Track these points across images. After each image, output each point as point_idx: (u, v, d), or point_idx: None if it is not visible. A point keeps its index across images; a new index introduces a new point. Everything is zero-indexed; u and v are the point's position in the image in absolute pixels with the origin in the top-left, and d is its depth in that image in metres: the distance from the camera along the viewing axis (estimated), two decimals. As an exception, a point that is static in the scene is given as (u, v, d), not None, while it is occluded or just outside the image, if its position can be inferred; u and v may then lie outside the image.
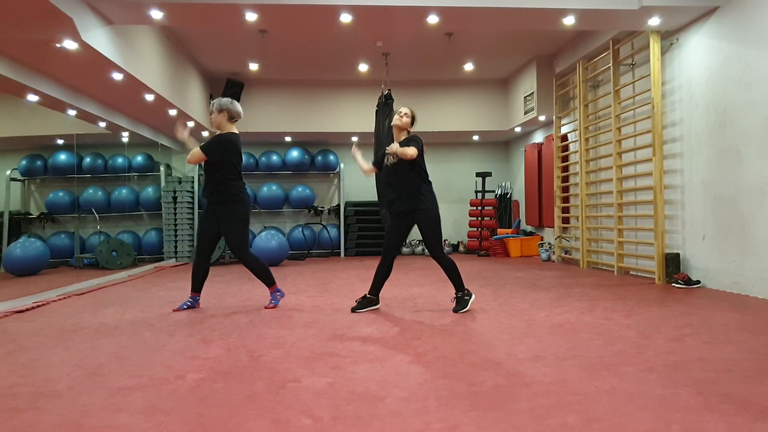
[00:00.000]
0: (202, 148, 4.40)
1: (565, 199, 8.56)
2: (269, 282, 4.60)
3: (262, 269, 4.55)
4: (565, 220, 8.56)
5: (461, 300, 4.27)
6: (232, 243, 4.45)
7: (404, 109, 4.37)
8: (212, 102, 4.54)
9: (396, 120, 4.34)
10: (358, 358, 2.90)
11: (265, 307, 4.57)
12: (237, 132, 4.55)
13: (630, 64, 6.69)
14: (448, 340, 3.27)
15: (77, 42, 4.77)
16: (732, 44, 5.10)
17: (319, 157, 10.76)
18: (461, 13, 5.33)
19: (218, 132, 4.52)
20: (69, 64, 5.37)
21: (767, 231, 4.70)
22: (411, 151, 4.10)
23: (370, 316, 4.13)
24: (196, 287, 4.63)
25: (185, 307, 4.57)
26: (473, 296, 4.36)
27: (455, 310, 4.23)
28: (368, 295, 4.42)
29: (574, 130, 8.25)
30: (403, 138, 4.35)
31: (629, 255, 6.73)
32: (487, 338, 3.31)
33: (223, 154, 4.40)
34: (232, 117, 4.50)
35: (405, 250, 10.80)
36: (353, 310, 4.36)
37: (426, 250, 10.42)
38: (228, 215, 4.42)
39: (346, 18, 5.28)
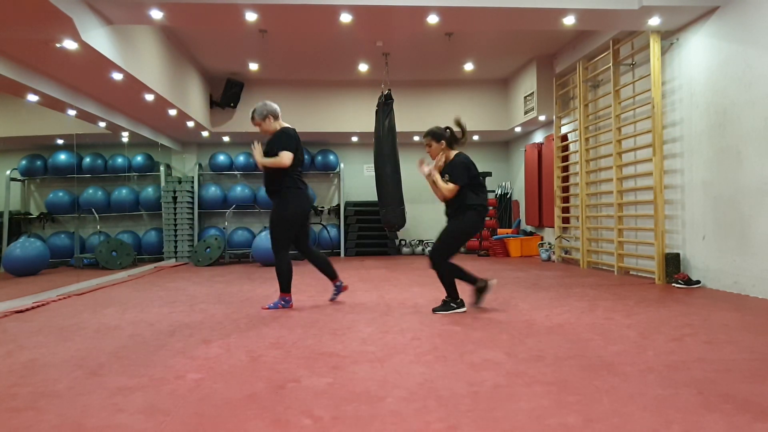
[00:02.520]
0: (283, 149, 4.33)
1: (565, 199, 8.56)
2: (284, 288, 4.55)
3: (285, 272, 4.50)
4: (565, 220, 8.56)
5: (447, 305, 4.22)
6: (271, 237, 4.51)
7: (424, 140, 4.28)
8: (253, 113, 4.48)
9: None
10: (358, 358, 2.90)
11: (262, 308, 4.55)
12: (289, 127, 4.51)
13: (630, 64, 6.69)
14: (448, 340, 3.27)
15: (77, 42, 4.77)
16: (732, 44, 5.10)
17: (319, 157, 10.76)
18: (461, 13, 5.33)
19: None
20: (69, 64, 5.37)
21: (767, 231, 4.70)
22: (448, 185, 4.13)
23: (370, 316, 4.13)
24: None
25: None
26: (465, 308, 4.23)
27: (434, 310, 4.24)
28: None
29: (574, 130, 8.24)
30: (450, 160, 4.25)
31: (629, 255, 6.73)
32: (488, 338, 3.31)
33: (294, 147, 4.37)
34: (276, 116, 4.49)
35: (405, 250, 10.80)
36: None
37: (425, 250, 10.42)
38: (276, 214, 4.46)
39: (346, 18, 5.28)
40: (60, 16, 4.34)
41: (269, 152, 4.41)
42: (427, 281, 6.27)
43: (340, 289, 4.87)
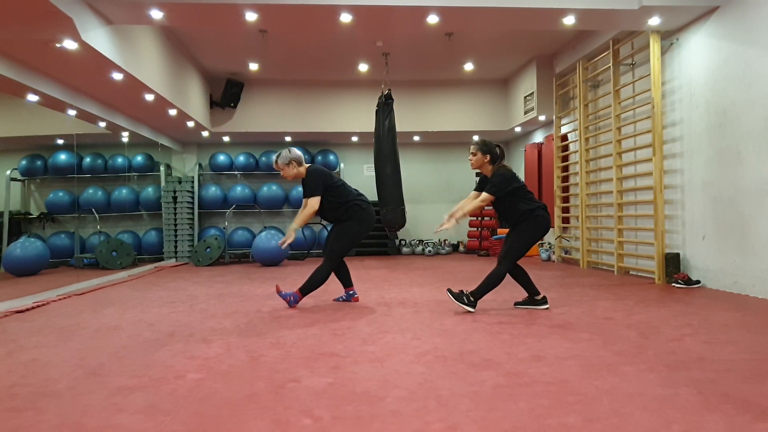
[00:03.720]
0: (307, 194, 4.53)
1: (565, 199, 8.56)
2: (305, 290, 4.61)
3: (319, 280, 4.57)
4: (565, 220, 8.56)
5: (462, 296, 4.19)
6: (329, 247, 4.63)
7: (470, 148, 4.33)
8: (276, 158, 4.61)
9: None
10: (358, 358, 2.90)
11: (276, 287, 4.65)
12: (313, 165, 4.66)
13: (630, 64, 6.69)
14: (448, 340, 3.27)
15: (77, 42, 4.77)
16: (732, 44, 5.10)
17: (319, 157, 10.75)
18: (461, 13, 5.33)
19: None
20: (69, 64, 5.37)
21: (767, 231, 4.70)
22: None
23: (370, 316, 4.13)
24: (346, 283, 4.88)
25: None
26: (473, 310, 4.20)
27: (449, 290, 4.26)
28: (532, 298, 4.37)
29: (574, 130, 8.25)
30: (491, 175, 4.30)
31: (629, 255, 6.73)
32: (487, 338, 3.31)
33: (322, 186, 4.52)
34: (300, 162, 4.60)
35: (405, 250, 10.80)
36: (516, 304, 4.38)
37: (425, 250, 10.42)
38: (341, 228, 4.63)
39: (346, 18, 5.28)
40: (60, 16, 4.34)
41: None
42: (427, 281, 6.27)
43: (350, 297, 4.89)
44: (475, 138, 4.44)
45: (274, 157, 4.67)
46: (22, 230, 9.36)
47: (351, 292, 4.88)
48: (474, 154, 4.32)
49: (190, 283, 6.48)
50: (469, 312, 4.17)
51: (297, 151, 4.62)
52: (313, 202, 4.50)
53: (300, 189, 10.54)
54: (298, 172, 4.60)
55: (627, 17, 5.50)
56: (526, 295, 4.40)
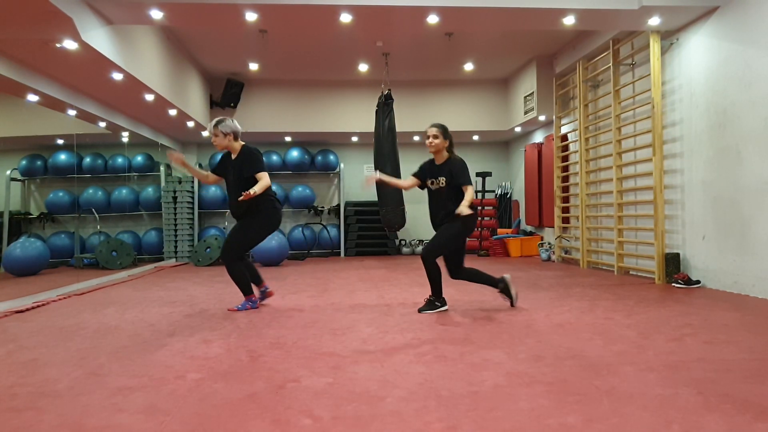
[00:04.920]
0: (260, 170, 4.38)
1: (565, 199, 8.56)
2: (245, 291, 4.49)
3: (239, 277, 4.45)
4: (565, 220, 8.56)
5: (433, 305, 4.27)
6: (230, 239, 4.45)
7: (430, 131, 4.24)
8: (216, 123, 4.49)
9: (429, 147, 4.28)
10: (358, 358, 2.90)
11: (228, 309, 4.47)
12: (249, 144, 4.60)
13: (630, 64, 6.69)
14: (448, 340, 3.27)
15: (77, 42, 4.77)
16: (732, 44, 5.10)
17: (319, 157, 10.76)
18: (461, 13, 5.33)
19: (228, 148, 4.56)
20: (69, 64, 5.37)
21: (767, 231, 4.70)
22: (469, 197, 4.05)
23: (370, 316, 4.13)
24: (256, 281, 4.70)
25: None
26: (446, 307, 4.30)
27: (420, 310, 4.27)
28: (501, 291, 4.41)
29: (574, 130, 8.24)
30: (442, 161, 4.25)
31: (629, 255, 6.73)
32: (488, 338, 3.32)
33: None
34: (238, 137, 4.54)
35: (405, 250, 10.80)
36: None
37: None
38: (249, 222, 4.43)
39: (346, 18, 5.28)
40: (60, 16, 4.34)
41: (241, 173, 4.42)
42: (428, 281, 6.25)
43: (265, 293, 4.74)
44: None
45: (212, 122, 4.51)
46: (22, 230, 9.35)
47: (263, 288, 4.72)
48: (436, 137, 4.23)
49: (190, 283, 6.48)
50: (442, 310, 4.25)
51: (238, 126, 4.55)
52: (267, 176, 4.35)
53: (300, 189, 10.61)
54: (231, 146, 4.50)
55: (627, 17, 5.50)
56: (497, 290, 4.41)
